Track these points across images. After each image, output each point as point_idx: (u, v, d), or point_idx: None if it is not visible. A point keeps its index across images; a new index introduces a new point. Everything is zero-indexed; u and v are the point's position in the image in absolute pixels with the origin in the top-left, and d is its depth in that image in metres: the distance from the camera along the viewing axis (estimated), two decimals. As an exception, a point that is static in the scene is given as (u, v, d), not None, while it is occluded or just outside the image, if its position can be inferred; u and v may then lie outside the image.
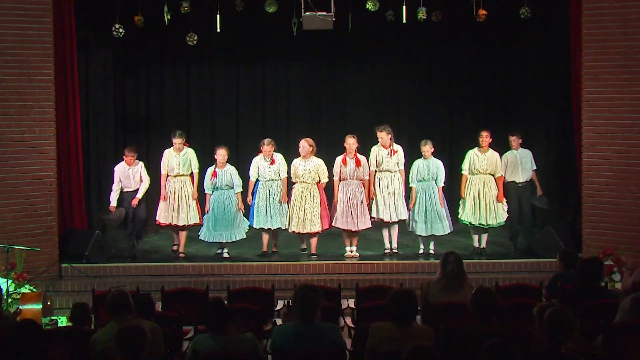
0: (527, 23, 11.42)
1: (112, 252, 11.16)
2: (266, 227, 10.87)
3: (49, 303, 9.13)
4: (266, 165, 10.79)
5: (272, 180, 10.82)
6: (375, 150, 10.88)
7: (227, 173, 10.78)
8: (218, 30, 11.18)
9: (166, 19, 11.15)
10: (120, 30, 11.21)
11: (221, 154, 10.78)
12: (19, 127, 10.20)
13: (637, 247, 10.00)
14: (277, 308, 8.27)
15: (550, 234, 10.95)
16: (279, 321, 7.72)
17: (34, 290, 9.50)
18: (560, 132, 12.39)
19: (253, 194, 10.90)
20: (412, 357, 4.67)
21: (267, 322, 7.55)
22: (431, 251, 10.97)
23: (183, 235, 11.04)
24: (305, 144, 10.72)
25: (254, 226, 10.89)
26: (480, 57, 13.32)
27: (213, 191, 10.80)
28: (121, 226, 11.33)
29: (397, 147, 10.91)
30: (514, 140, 11.28)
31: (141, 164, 11.15)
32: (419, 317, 6.94)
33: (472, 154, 11.00)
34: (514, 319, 6.48)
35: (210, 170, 10.82)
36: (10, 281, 9.27)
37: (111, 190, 11.15)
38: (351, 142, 10.71)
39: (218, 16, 11.10)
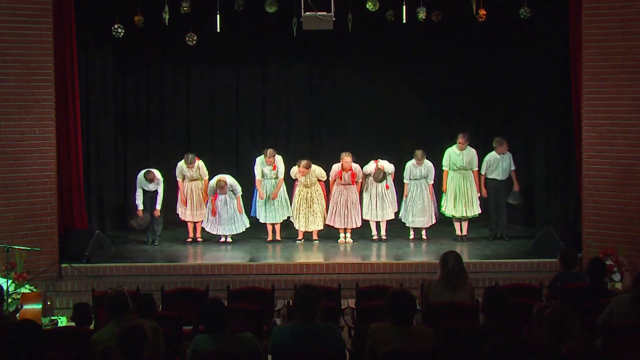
0: (527, 23, 11.41)
1: (112, 252, 11.16)
2: (268, 222, 11.98)
3: (49, 303, 9.14)
4: (268, 169, 11.79)
5: (273, 179, 11.87)
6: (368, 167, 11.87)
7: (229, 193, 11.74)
8: (218, 30, 11.20)
9: (166, 19, 11.14)
10: (120, 30, 11.22)
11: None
12: (19, 127, 10.18)
13: (637, 247, 9.99)
14: (277, 308, 8.27)
15: (550, 234, 10.95)
16: (279, 321, 7.73)
17: (34, 290, 9.50)
18: (560, 132, 12.39)
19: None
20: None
21: (267, 322, 7.54)
22: (423, 237, 11.93)
23: (198, 225, 12.07)
24: (304, 170, 11.61)
25: (260, 221, 11.99)
26: (480, 57, 13.31)
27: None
28: (146, 228, 11.94)
29: (384, 164, 11.71)
30: (501, 146, 11.72)
31: (161, 181, 11.73)
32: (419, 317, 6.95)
33: (451, 152, 11.87)
34: (514, 319, 6.48)
35: (212, 183, 11.63)
36: (10, 281, 9.27)
37: (135, 195, 11.76)
38: (347, 160, 11.51)
39: (218, 16, 11.11)
